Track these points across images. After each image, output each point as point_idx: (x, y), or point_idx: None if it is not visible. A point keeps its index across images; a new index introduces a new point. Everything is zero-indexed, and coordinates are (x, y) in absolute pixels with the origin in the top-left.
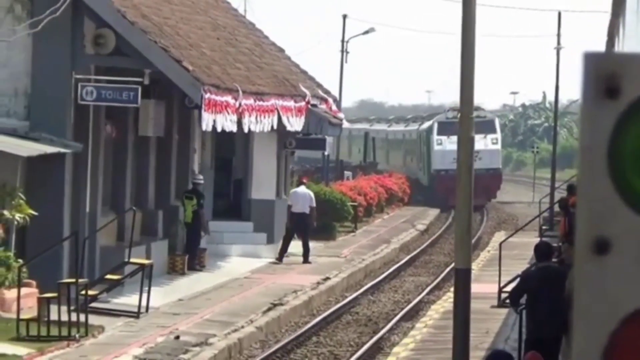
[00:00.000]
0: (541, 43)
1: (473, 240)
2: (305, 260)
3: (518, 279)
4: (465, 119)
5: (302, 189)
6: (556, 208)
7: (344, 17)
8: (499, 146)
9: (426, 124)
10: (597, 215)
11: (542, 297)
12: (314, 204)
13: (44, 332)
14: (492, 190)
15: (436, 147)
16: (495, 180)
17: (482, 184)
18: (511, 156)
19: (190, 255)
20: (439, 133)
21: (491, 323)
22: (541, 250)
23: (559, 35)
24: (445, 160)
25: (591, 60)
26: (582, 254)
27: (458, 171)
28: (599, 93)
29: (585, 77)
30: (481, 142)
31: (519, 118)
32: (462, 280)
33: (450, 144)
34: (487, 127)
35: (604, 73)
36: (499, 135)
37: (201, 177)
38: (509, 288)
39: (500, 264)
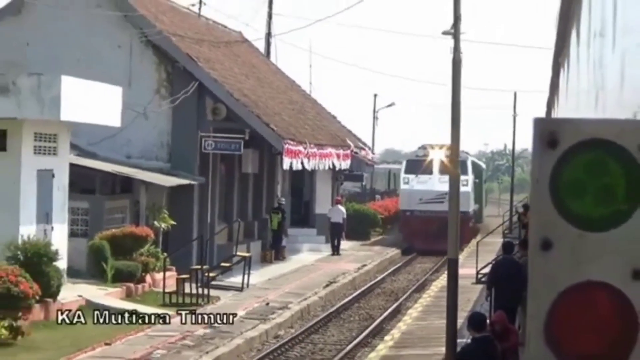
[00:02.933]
0: (503, 112)
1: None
2: (337, 253)
3: (490, 268)
4: (454, 160)
5: (337, 206)
6: (515, 219)
7: (375, 95)
8: (468, 188)
9: None
10: (543, 224)
11: (505, 279)
12: (345, 216)
13: (180, 301)
14: (462, 235)
15: (402, 186)
16: (464, 223)
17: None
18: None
19: (275, 251)
20: (407, 171)
21: (471, 294)
22: (506, 247)
23: (515, 107)
24: (411, 201)
25: (539, 123)
26: (533, 250)
27: (450, 186)
28: (543, 144)
29: (535, 133)
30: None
31: (489, 160)
32: (452, 266)
33: (418, 183)
34: (459, 167)
35: (547, 131)
36: (470, 176)
37: (284, 199)
38: (483, 271)
39: (477, 255)
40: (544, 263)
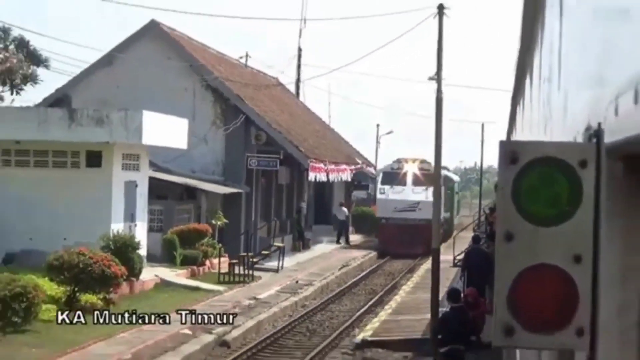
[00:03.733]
0: (474, 137)
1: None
2: (347, 243)
3: (463, 255)
4: (437, 175)
5: (341, 208)
6: (482, 218)
7: (377, 125)
8: None
9: None
10: (506, 221)
11: (475, 264)
12: (348, 214)
13: (231, 279)
14: (431, 240)
15: (379, 196)
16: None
17: (420, 234)
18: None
19: (302, 242)
20: (383, 182)
21: (449, 274)
22: (475, 239)
23: (482, 134)
24: (387, 209)
25: (503, 144)
26: (499, 240)
27: (434, 195)
28: (506, 160)
29: (500, 152)
30: (422, 194)
31: (463, 174)
32: (435, 254)
33: (393, 193)
34: (430, 179)
35: (510, 151)
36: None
37: (303, 204)
38: (458, 257)
39: (454, 245)
40: (507, 250)
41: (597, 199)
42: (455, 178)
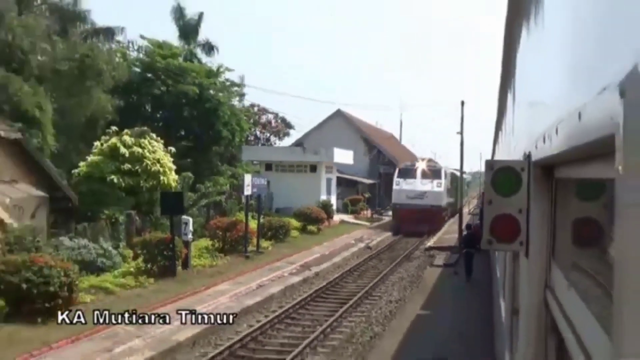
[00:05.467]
0: (476, 158)
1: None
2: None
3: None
4: (461, 180)
5: None
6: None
7: (435, 153)
8: (442, 189)
9: None
10: (488, 194)
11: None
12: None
13: (372, 220)
14: (436, 221)
15: (395, 187)
16: (437, 213)
17: (427, 216)
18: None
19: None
20: (398, 176)
21: (466, 218)
22: (482, 201)
23: (480, 158)
24: (400, 197)
25: (487, 162)
26: (485, 204)
27: (459, 186)
28: (488, 168)
29: (486, 165)
30: (428, 185)
31: (474, 175)
32: (460, 210)
33: (405, 185)
34: (435, 174)
35: (489, 164)
36: (443, 180)
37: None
38: (471, 211)
39: (469, 206)
40: (489, 207)
41: (529, 185)
42: (457, 174)
